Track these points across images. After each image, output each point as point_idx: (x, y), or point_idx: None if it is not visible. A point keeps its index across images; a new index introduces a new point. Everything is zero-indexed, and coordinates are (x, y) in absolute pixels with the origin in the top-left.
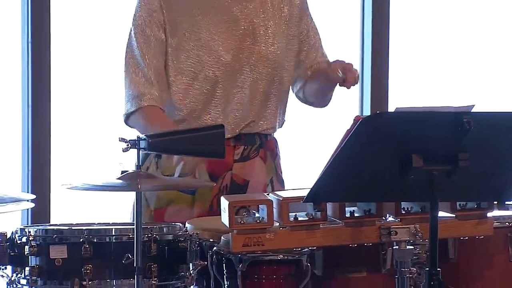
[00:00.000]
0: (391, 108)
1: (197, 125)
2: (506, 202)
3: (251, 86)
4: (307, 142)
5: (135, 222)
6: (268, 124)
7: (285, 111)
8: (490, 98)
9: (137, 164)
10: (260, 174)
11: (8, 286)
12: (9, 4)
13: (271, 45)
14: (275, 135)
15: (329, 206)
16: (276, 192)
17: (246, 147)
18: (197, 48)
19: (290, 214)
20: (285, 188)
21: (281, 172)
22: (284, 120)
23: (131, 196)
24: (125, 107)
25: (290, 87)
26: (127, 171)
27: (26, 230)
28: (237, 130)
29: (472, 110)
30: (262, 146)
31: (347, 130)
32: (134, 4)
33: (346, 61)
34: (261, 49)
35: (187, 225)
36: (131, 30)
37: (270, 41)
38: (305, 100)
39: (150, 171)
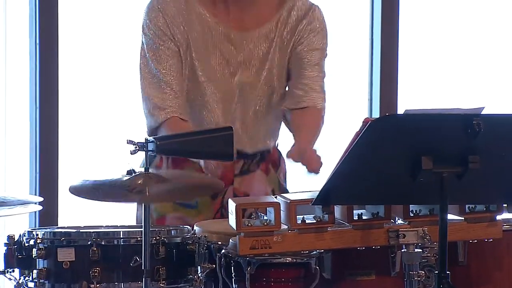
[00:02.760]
0: (401, 110)
1: None
2: None
3: (244, 115)
4: (316, 144)
5: (143, 224)
6: (263, 146)
7: (279, 129)
8: (500, 100)
9: (145, 167)
10: (260, 186)
11: None
12: (17, 6)
13: (268, 78)
14: (279, 147)
15: (337, 209)
16: (284, 195)
17: (246, 161)
18: (194, 69)
19: (297, 217)
20: None
21: (285, 183)
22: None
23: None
24: (147, 122)
25: None
26: (133, 170)
27: (34, 232)
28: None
29: (482, 112)
30: (264, 160)
31: (356, 132)
32: (139, 6)
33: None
34: (256, 81)
35: (195, 227)
36: (142, 42)
37: (268, 73)
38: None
39: None
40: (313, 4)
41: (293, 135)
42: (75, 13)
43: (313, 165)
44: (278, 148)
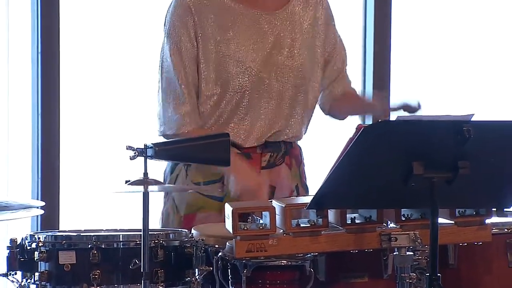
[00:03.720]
0: (393, 117)
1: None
2: (505, 209)
3: (277, 96)
4: (310, 149)
5: (142, 228)
6: (294, 133)
7: (309, 121)
8: (490, 106)
9: (144, 172)
10: (286, 180)
11: None
12: (19, 16)
13: (297, 57)
14: (299, 143)
15: (331, 212)
16: (279, 199)
17: (272, 154)
18: (226, 59)
19: (292, 220)
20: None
21: (306, 179)
22: (307, 129)
23: (158, 203)
24: (161, 126)
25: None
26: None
27: (36, 236)
28: (263, 139)
29: (472, 119)
30: (287, 153)
31: (350, 138)
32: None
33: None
34: (287, 61)
35: (193, 231)
36: (164, 43)
37: (296, 53)
38: (328, 113)
39: (180, 179)
40: None
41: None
42: (77, 25)
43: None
44: (299, 144)
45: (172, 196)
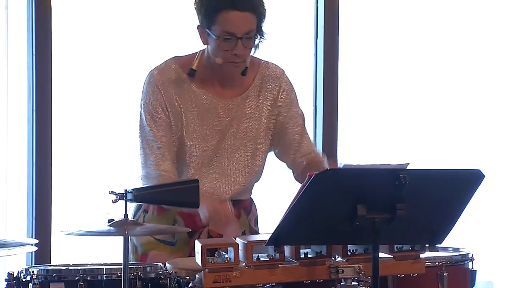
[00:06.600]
0: (339, 165)
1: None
2: (436, 245)
3: (224, 172)
4: (266, 195)
5: (123, 263)
6: (242, 196)
7: (257, 180)
8: (424, 156)
9: (125, 213)
10: (232, 229)
11: None
12: (14, 30)
13: (247, 139)
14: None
15: (287, 248)
16: (242, 237)
17: None
18: (183, 133)
19: (253, 255)
20: None
21: (257, 226)
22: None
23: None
24: (144, 182)
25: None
26: (113, 219)
27: (30, 270)
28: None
29: (408, 167)
30: (236, 205)
31: (302, 184)
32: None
33: None
34: (237, 142)
35: (167, 264)
36: (141, 113)
37: (246, 135)
38: (296, 178)
39: None
40: (279, 70)
41: None
42: (69, 40)
43: None
44: (251, 196)
45: (133, 239)
